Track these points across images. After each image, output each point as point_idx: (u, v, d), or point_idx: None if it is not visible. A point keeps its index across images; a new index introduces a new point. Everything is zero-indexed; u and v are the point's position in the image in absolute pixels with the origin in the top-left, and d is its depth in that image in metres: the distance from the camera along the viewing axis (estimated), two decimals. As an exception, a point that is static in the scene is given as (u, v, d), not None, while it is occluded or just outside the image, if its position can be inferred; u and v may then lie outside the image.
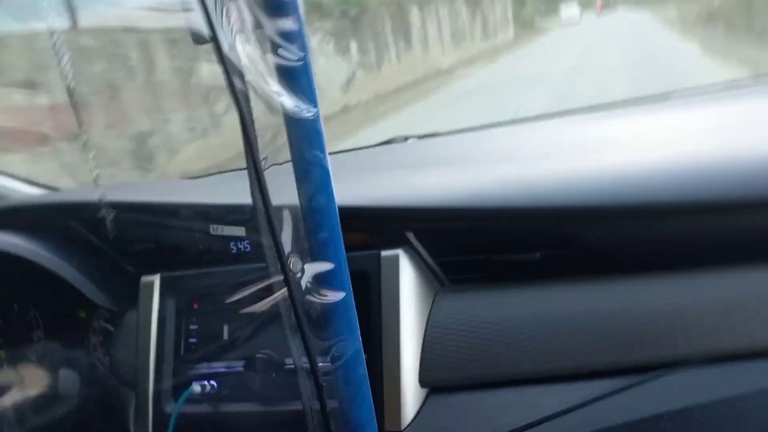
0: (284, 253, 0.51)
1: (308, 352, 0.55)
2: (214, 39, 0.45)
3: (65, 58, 0.58)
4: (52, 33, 0.57)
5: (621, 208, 0.78)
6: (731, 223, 0.76)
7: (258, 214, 0.51)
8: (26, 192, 1.34)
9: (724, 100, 1.15)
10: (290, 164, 0.53)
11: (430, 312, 0.86)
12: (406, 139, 1.41)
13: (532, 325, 0.80)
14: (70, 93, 0.61)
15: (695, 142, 0.90)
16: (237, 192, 0.91)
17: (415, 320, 0.84)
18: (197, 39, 0.53)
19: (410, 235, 0.87)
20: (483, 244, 0.86)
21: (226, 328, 0.91)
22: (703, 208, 0.76)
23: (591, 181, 0.82)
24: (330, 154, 0.53)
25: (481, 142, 1.24)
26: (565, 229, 0.82)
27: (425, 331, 0.84)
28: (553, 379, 0.79)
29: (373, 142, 1.43)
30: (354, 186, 0.94)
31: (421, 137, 1.41)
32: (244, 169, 0.53)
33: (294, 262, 0.54)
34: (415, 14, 12.90)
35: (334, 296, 0.55)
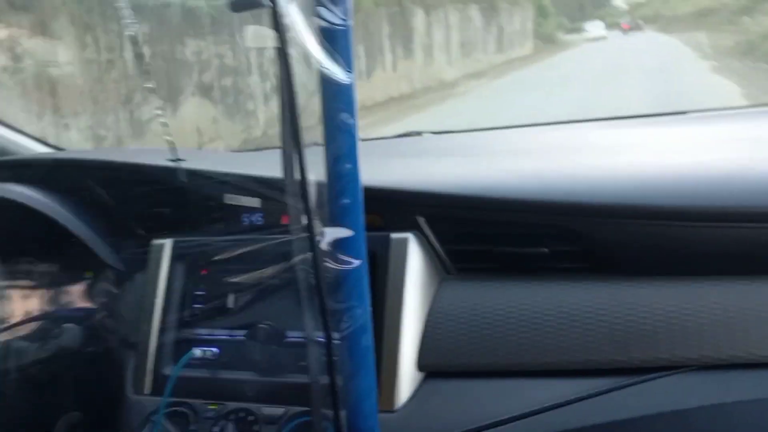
0: (310, 213, 0.52)
1: (324, 319, 0.55)
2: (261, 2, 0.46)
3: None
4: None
5: (632, 208, 0.80)
6: (738, 234, 0.78)
7: (287, 172, 0.52)
8: (36, 149, 1.35)
9: (742, 118, 1.16)
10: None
11: (434, 298, 0.87)
12: (420, 133, 1.42)
13: (533, 318, 0.82)
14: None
15: (710, 154, 0.92)
16: (261, 168, 0.92)
17: (418, 304, 0.85)
18: (241, 5, 0.54)
19: (421, 221, 0.88)
20: (492, 235, 0.88)
21: (231, 297, 0.92)
22: (712, 216, 0.77)
23: (604, 180, 0.84)
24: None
25: (497, 140, 1.26)
26: (574, 225, 0.83)
27: (428, 315, 0.85)
28: (550, 374, 0.81)
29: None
30: (368, 169, 0.95)
31: (436, 133, 1.42)
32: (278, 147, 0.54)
33: (314, 225, 0.55)
34: (419, 18, 11.62)
35: (350, 262, 0.56)
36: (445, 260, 0.91)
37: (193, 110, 6.00)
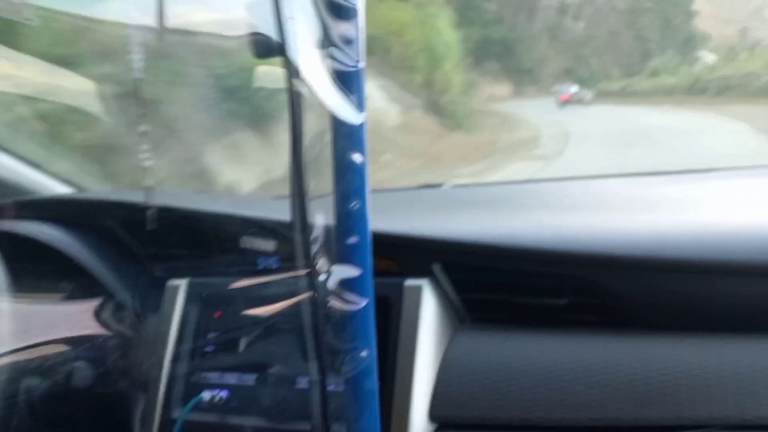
0: (312, 251, 0.52)
1: (322, 362, 0.55)
2: (283, 49, 0.47)
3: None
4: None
5: (652, 260, 0.78)
6: (763, 290, 0.76)
7: (294, 211, 0.53)
8: (57, 188, 1.36)
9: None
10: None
11: (447, 347, 0.85)
12: (440, 185, 1.43)
13: (549, 372, 0.79)
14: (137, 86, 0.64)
15: (734, 210, 0.90)
16: (280, 212, 0.93)
17: (431, 353, 0.84)
18: (264, 53, 0.55)
19: (436, 268, 0.88)
20: (508, 285, 0.86)
21: (243, 341, 0.91)
22: (735, 270, 0.75)
23: (625, 233, 0.82)
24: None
25: (516, 194, 1.25)
26: (593, 277, 0.82)
27: (440, 365, 0.84)
28: (565, 429, 0.78)
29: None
30: (385, 217, 0.96)
31: (456, 186, 1.42)
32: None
33: (321, 263, 0.55)
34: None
35: (357, 302, 0.55)
36: (460, 309, 0.89)
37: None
